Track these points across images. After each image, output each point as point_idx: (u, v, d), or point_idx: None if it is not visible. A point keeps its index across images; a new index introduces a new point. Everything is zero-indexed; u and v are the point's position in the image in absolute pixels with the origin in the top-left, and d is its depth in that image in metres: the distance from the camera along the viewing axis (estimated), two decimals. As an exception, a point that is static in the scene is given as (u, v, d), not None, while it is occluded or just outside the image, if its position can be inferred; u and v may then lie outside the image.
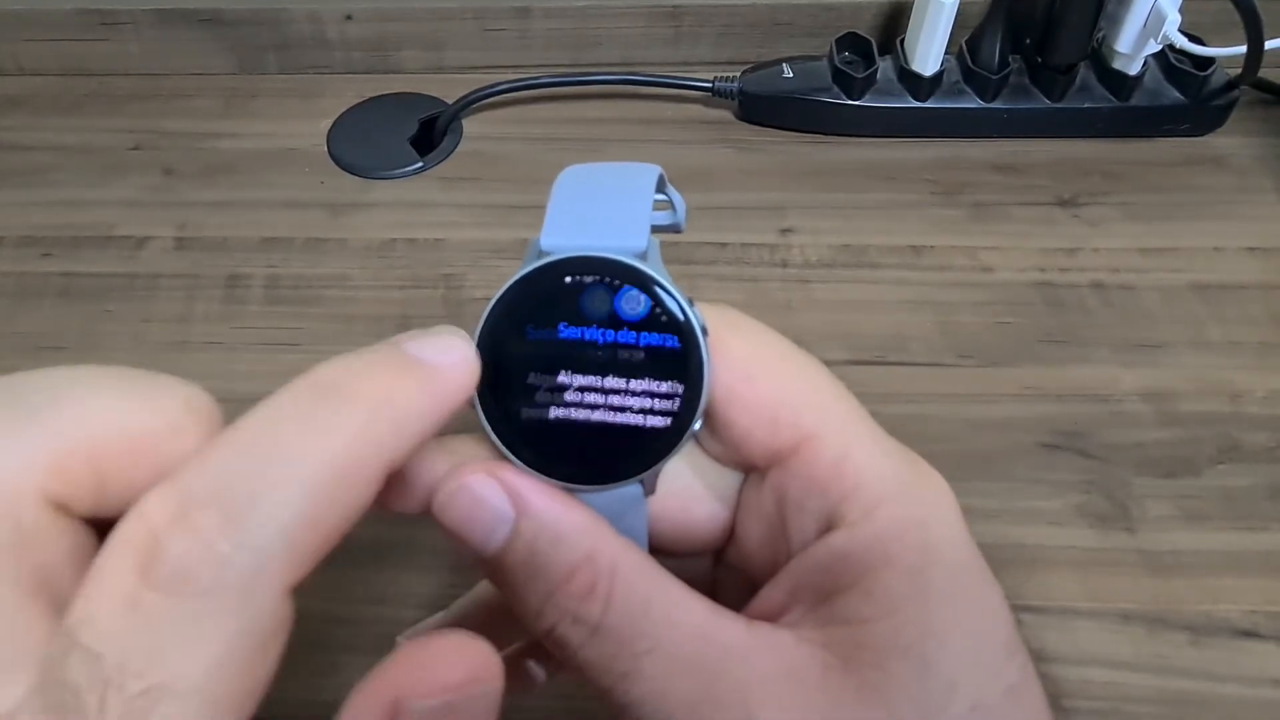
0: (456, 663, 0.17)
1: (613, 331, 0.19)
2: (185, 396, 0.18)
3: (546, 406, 0.19)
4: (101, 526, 0.17)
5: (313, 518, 0.15)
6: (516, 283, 0.19)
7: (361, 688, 0.16)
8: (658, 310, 0.19)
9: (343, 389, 0.16)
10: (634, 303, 0.19)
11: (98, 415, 0.17)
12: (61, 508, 0.16)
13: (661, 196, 0.21)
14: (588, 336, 0.19)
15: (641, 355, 0.19)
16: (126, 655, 0.14)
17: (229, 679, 0.15)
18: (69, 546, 0.16)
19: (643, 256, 0.19)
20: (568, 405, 0.19)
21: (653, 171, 0.21)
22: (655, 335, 0.19)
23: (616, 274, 0.19)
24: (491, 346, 0.19)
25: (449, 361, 0.18)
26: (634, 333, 0.19)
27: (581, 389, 0.19)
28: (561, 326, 0.19)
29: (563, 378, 0.19)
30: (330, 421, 0.16)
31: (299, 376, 0.17)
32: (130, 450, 0.17)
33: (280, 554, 0.15)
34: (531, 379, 0.19)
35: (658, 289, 0.19)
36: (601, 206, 0.20)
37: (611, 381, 0.19)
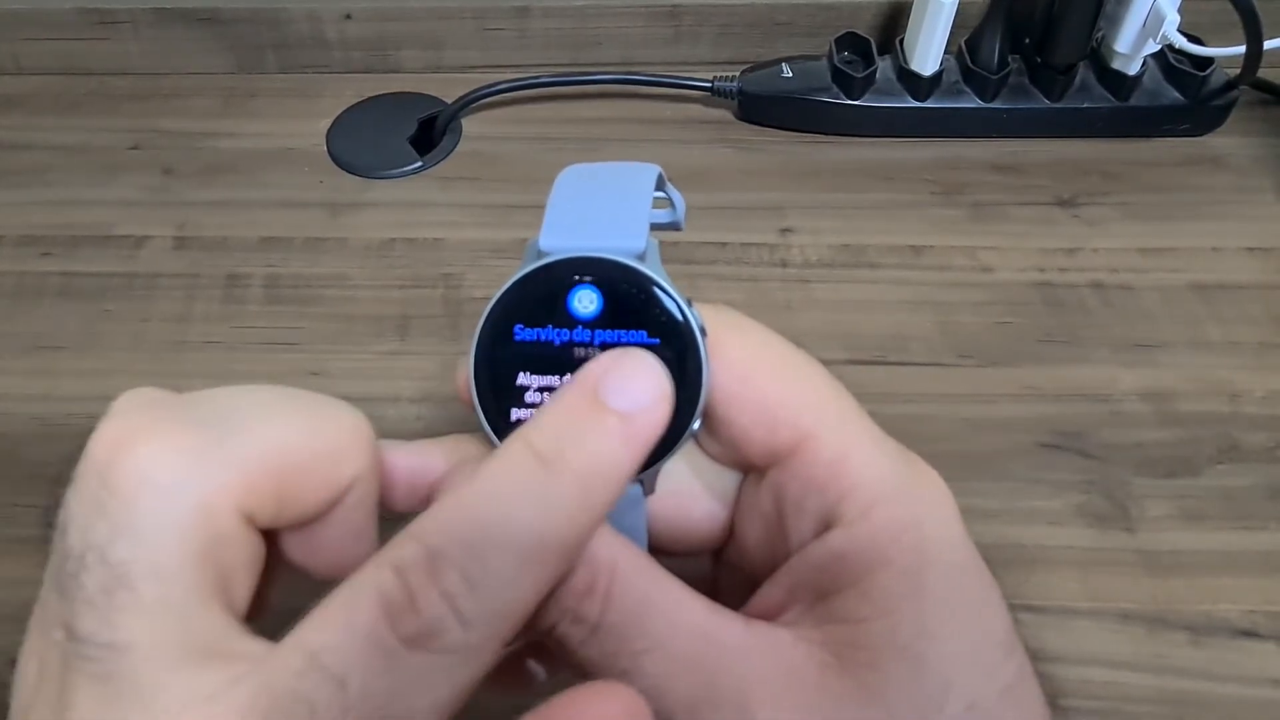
0: (612, 710, 0.17)
1: (611, 332, 0.19)
2: (351, 420, 0.19)
3: None
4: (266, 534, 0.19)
5: (534, 588, 0.17)
6: (515, 283, 0.19)
7: None
8: (656, 311, 0.19)
9: (558, 464, 0.17)
10: (633, 303, 0.19)
11: (285, 438, 0.18)
12: (247, 519, 0.18)
13: (661, 195, 0.21)
14: (585, 337, 0.19)
15: None
16: (369, 689, 0.16)
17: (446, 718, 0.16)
18: (248, 554, 0.18)
19: (641, 257, 0.19)
20: None
21: (652, 171, 0.21)
22: (653, 336, 0.19)
23: (615, 275, 0.19)
24: (490, 347, 0.19)
25: (647, 407, 0.18)
26: (633, 333, 0.19)
27: None
28: (559, 328, 0.19)
29: (564, 378, 0.19)
30: (550, 501, 0.17)
31: (518, 434, 0.18)
32: (308, 471, 0.18)
33: (506, 620, 0.17)
34: (531, 379, 0.19)
35: (656, 290, 0.19)
36: (600, 207, 0.20)
37: None
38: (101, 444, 0.17)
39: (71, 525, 0.17)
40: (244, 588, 0.18)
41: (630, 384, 0.18)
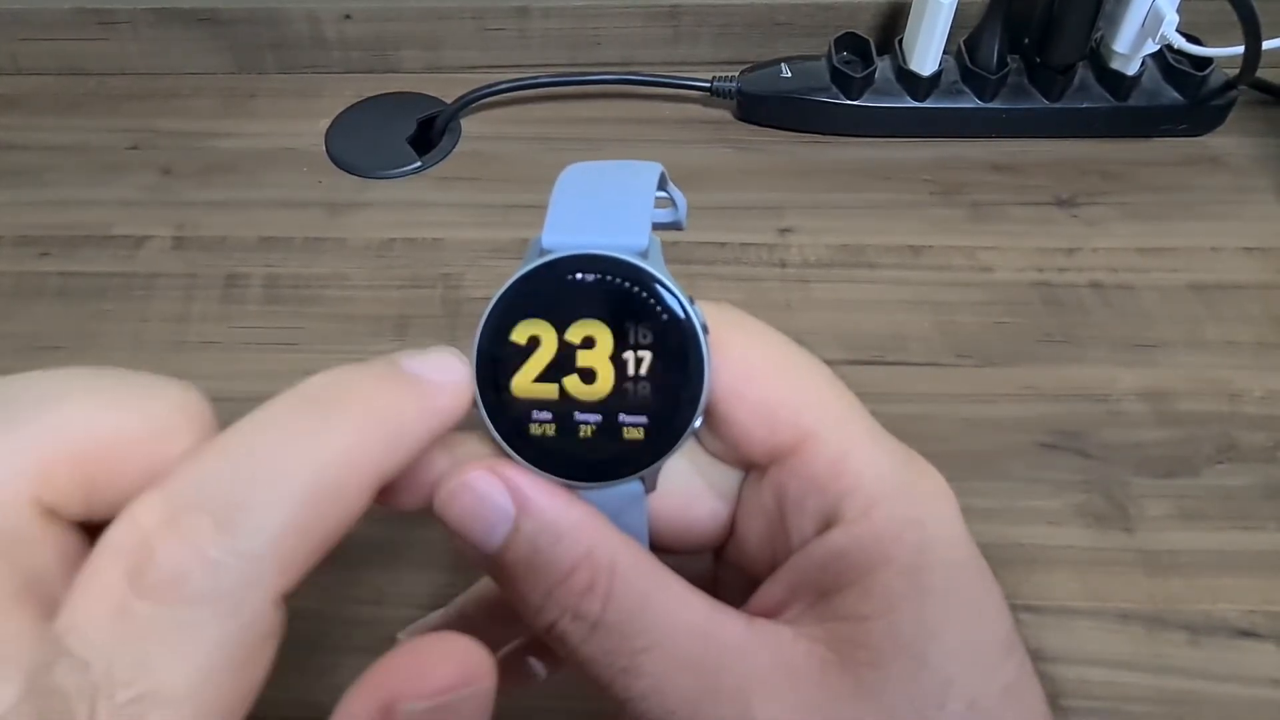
0: (448, 664, 0.17)
1: (613, 329, 0.19)
2: (177, 398, 0.17)
3: None
4: (93, 530, 0.17)
5: (303, 526, 0.16)
6: (517, 281, 0.19)
7: (353, 690, 0.16)
8: (658, 309, 0.19)
9: (336, 399, 0.17)
10: (634, 301, 0.19)
11: (86, 419, 0.16)
12: (50, 512, 0.16)
13: (662, 194, 0.21)
14: (589, 334, 0.19)
15: (642, 353, 0.19)
16: (115, 663, 0.14)
17: (218, 686, 0.15)
18: (59, 551, 0.16)
19: (644, 255, 0.19)
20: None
21: (654, 169, 0.21)
22: (656, 334, 0.19)
23: (617, 272, 0.19)
24: (492, 343, 0.19)
25: (444, 379, 0.18)
26: (634, 331, 0.19)
27: None
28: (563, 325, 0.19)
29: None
30: (322, 431, 0.16)
31: (293, 386, 0.17)
32: (120, 454, 0.17)
33: (270, 562, 0.15)
34: None
35: (658, 287, 0.19)
36: (603, 205, 0.20)
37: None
38: None
39: None
40: (58, 586, 0.16)
41: (431, 359, 0.18)
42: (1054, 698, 0.31)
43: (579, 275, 0.19)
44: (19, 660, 0.14)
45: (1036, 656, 0.32)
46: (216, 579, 0.15)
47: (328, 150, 0.50)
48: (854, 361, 0.41)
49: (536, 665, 0.23)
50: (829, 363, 0.20)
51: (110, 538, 0.15)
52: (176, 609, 0.14)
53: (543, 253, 0.19)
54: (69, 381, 0.17)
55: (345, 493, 0.16)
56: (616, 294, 0.19)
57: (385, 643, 0.25)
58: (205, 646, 0.15)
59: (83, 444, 0.16)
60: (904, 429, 0.20)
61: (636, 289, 0.19)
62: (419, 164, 0.49)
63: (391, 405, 0.17)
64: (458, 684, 0.17)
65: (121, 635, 0.14)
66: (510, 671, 0.23)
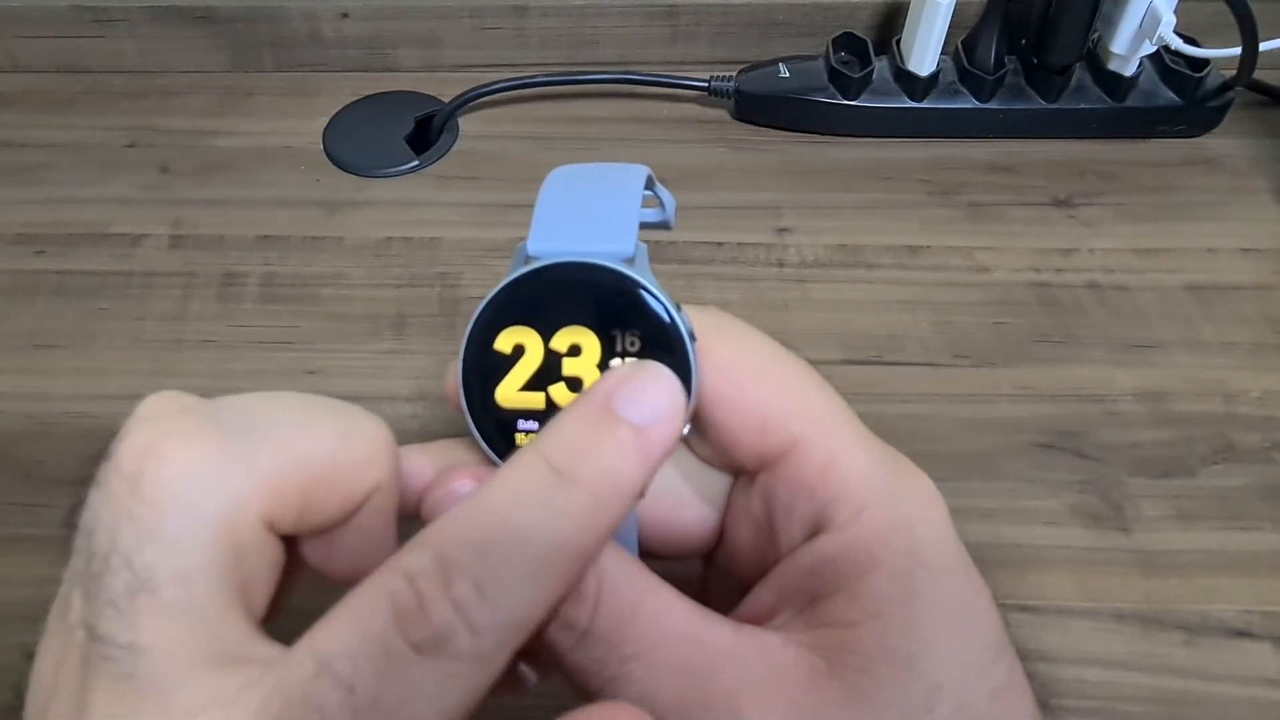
0: None
1: (599, 336, 0.19)
2: (376, 432, 0.19)
3: None
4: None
5: (545, 598, 0.17)
6: (503, 288, 0.19)
7: None
8: (644, 316, 0.19)
9: (572, 476, 0.17)
10: (620, 308, 0.19)
11: (312, 447, 0.18)
12: (270, 527, 0.18)
13: (649, 194, 0.21)
14: (575, 342, 0.19)
15: (628, 360, 0.19)
16: (378, 696, 0.16)
17: None
18: (269, 561, 0.18)
19: (630, 261, 0.19)
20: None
21: (640, 172, 0.21)
22: (642, 341, 0.19)
23: (603, 279, 0.19)
24: (479, 351, 0.19)
25: (662, 421, 0.18)
26: (621, 338, 0.19)
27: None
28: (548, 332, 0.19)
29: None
30: (562, 512, 0.17)
31: (531, 446, 0.18)
32: (333, 480, 0.19)
33: (516, 629, 0.17)
34: None
35: (644, 294, 0.19)
36: (589, 210, 0.20)
37: None
38: (130, 449, 0.17)
39: (98, 528, 0.17)
40: (263, 593, 0.18)
41: (644, 396, 0.18)
42: (1049, 698, 0.32)
43: (564, 282, 0.19)
44: (238, 656, 0.16)
45: (1032, 656, 0.32)
46: (475, 643, 0.16)
47: (325, 149, 0.50)
48: (851, 361, 0.41)
49: (526, 672, 0.23)
50: (825, 363, 0.20)
51: (381, 583, 0.17)
52: (439, 663, 0.16)
53: (528, 259, 0.19)
54: (291, 407, 0.19)
55: (581, 563, 0.18)
56: (602, 301, 0.19)
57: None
58: (454, 697, 0.16)
59: (306, 470, 0.18)
60: (901, 429, 0.20)
61: (622, 296, 0.19)
62: (416, 163, 0.49)
63: (621, 471, 0.18)
64: None
65: (388, 674, 0.16)
66: (501, 678, 0.23)
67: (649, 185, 0.21)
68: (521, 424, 0.19)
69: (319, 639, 0.16)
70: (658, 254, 0.20)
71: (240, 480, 0.17)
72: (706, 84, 0.50)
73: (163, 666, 0.16)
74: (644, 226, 0.20)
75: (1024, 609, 0.33)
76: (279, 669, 0.16)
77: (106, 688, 0.16)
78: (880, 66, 0.50)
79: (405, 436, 0.21)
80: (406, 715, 0.16)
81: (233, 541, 0.17)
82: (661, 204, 0.22)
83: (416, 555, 0.17)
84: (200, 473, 0.17)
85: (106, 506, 0.17)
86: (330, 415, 0.19)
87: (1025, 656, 0.19)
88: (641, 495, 0.20)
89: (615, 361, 0.19)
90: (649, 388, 0.18)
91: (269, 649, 0.17)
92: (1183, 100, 0.49)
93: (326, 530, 0.19)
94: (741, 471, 0.21)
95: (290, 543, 0.19)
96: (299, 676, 0.16)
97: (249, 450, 0.18)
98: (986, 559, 0.19)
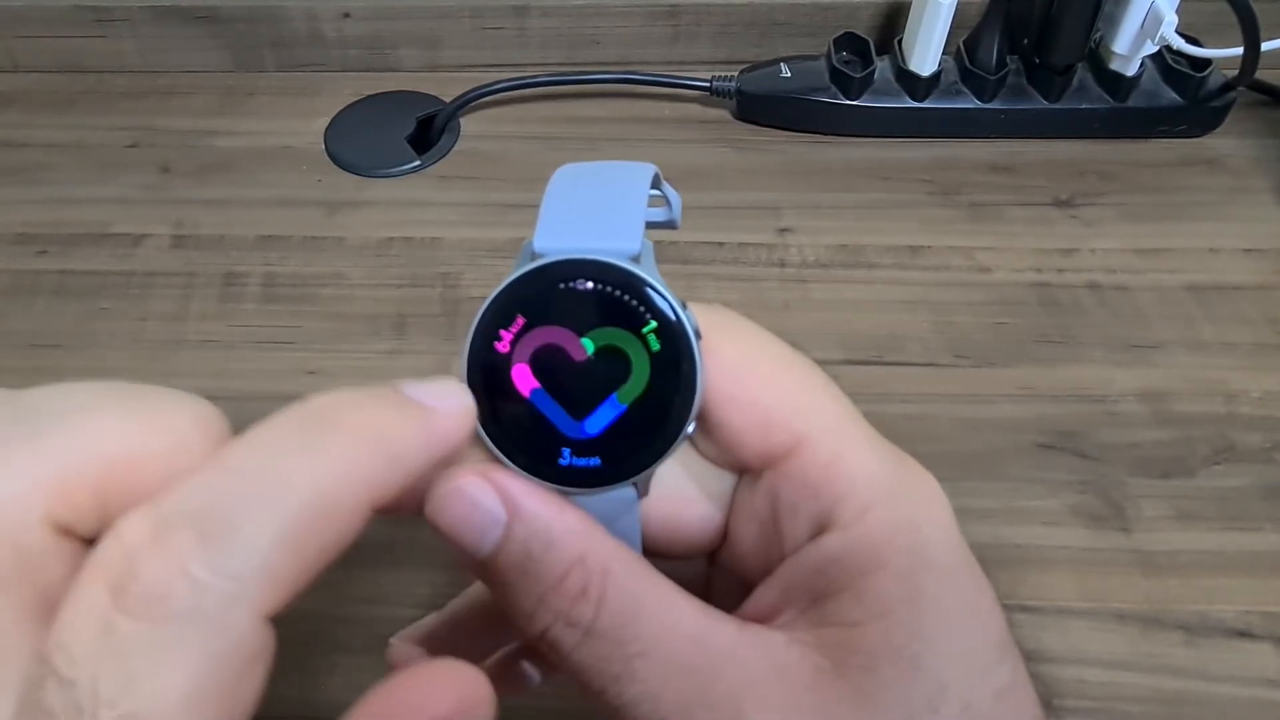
0: (446, 693, 0.17)
1: (605, 334, 0.19)
2: (193, 414, 0.17)
3: None
4: None
5: (294, 546, 0.15)
6: (508, 286, 0.19)
7: (350, 716, 0.16)
8: (650, 314, 0.19)
9: (334, 419, 0.16)
10: (626, 306, 0.19)
11: (102, 436, 0.16)
12: (64, 530, 0.16)
13: (656, 193, 0.21)
14: (580, 340, 0.19)
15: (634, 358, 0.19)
16: (100, 682, 0.14)
17: (204, 707, 0.14)
18: (71, 568, 0.16)
19: (636, 259, 0.19)
20: None
21: (647, 171, 0.21)
22: (647, 338, 0.19)
23: (609, 277, 0.19)
24: (483, 349, 0.19)
25: (445, 405, 0.18)
26: (626, 336, 0.19)
27: None
28: (554, 330, 0.19)
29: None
30: (318, 450, 0.16)
31: (294, 404, 0.17)
32: (136, 471, 0.16)
33: (258, 581, 0.15)
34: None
35: (650, 291, 0.19)
36: (595, 208, 0.20)
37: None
38: None
39: None
40: None
41: (432, 386, 0.18)
42: (1050, 698, 0.32)
43: (570, 280, 0.19)
44: (13, 679, 0.14)
45: (1033, 657, 0.32)
46: (199, 597, 0.14)
47: (326, 149, 0.50)
48: (852, 361, 0.41)
49: (530, 670, 0.23)
50: (826, 363, 0.20)
51: (97, 554, 0.15)
52: (160, 627, 0.14)
53: (534, 256, 0.19)
54: (86, 397, 0.17)
55: (339, 513, 0.16)
56: (608, 299, 0.19)
57: (382, 642, 0.25)
58: (190, 666, 0.14)
59: (100, 461, 0.16)
60: (901, 429, 0.20)
61: (628, 294, 0.19)
62: (418, 163, 0.49)
63: (390, 427, 0.17)
64: (456, 713, 0.16)
65: (106, 653, 0.14)
66: (504, 677, 0.23)
67: (655, 184, 0.21)
68: None
69: (51, 632, 0.15)
70: (658, 254, 0.20)
71: (14, 483, 0.16)
72: (708, 84, 0.50)
73: None
74: (650, 226, 0.20)
75: (1024, 609, 0.33)
76: (24, 681, 0.14)
77: None
78: (882, 66, 0.50)
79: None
80: (137, 700, 0.14)
81: (13, 549, 0.15)
82: (668, 203, 0.22)
83: (132, 515, 0.15)
84: None
85: None
86: (131, 402, 0.17)
87: (1026, 657, 0.19)
88: (644, 494, 0.20)
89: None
90: (436, 381, 0.18)
91: (34, 663, 0.15)
92: (1184, 100, 0.49)
93: None
94: (746, 470, 0.21)
95: None
96: (33, 683, 0.14)
97: (22, 448, 0.16)
98: (987, 559, 0.19)
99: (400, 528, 0.35)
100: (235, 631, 0.15)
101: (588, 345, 0.19)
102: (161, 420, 0.17)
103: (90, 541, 0.16)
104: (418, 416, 0.17)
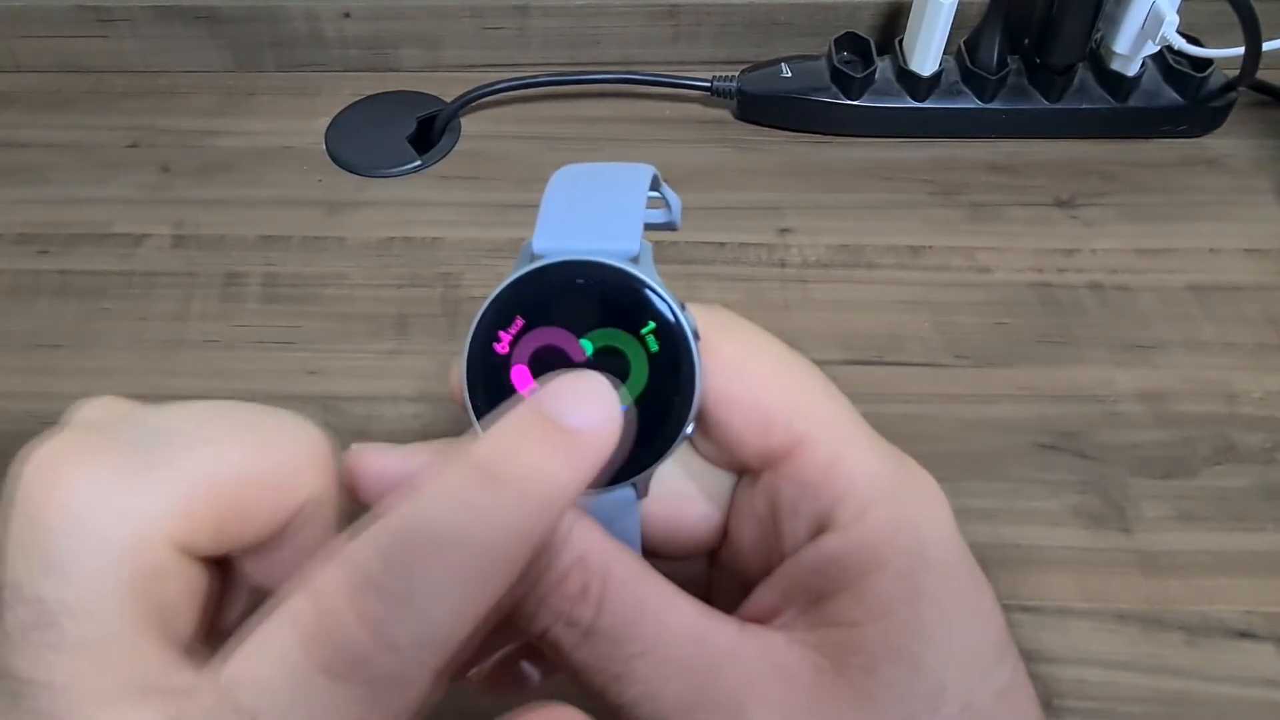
0: None
1: (604, 335, 0.19)
2: (306, 440, 0.18)
3: None
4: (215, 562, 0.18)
5: (471, 610, 0.16)
6: (508, 286, 0.19)
7: None
8: (649, 314, 0.19)
9: (505, 475, 0.17)
10: (625, 307, 0.19)
11: (225, 462, 0.17)
12: (184, 549, 0.17)
13: (655, 194, 0.21)
14: (579, 341, 0.19)
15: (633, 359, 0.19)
16: None
17: None
18: (186, 586, 0.17)
19: (635, 260, 0.19)
20: None
21: (646, 172, 0.21)
22: (646, 339, 0.19)
23: (608, 278, 0.19)
24: (483, 349, 0.19)
25: (595, 428, 0.18)
26: (625, 337, 0.19)
27: None
28: (553, 331, 0.19)
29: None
30: (493, 513, 0.16)
31: (461, 453, 0.17)
32: (253, 497, 0.17)
33: (442, 645, 0.16)
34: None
35: (649, 293, 0.19)
36: (594, 209, 0.20)
37: None
38: (32, 469, 0.16)
39: (5, 557, 0.16)
40: (186, 618, 0.17)
41: (579, 403, 0.18)
42: (1050, 698, 0.32)
43: (569, 281, 0.19)
44: (152, 687, 0.15)
45: (1033, 657, 0.32)
46: (391, 662, 0.15)
47: (327, 149, 0.50)
48: (852, 362, 0.41)
49: (530, 670, 0.23)
50: (827, 363, 0.20)
51: (289, 606, 0.16)
52: (355, 687, 0.15)
53: (533, 257, 0.19)
54: (207, 421, 0.18)
55: (507, 571, 0.17)
56: (607, 300, 0.19)
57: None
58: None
59: (222, 486, 0.17)
60: (902, 429, 0.20)
61: (627, 294, 0.19)
62: (419, 163, 0.49)
63: (548, 475, 0.17)
64: None
65: (295, 702, 0.15)
66: (504, 677, 0.23)
67: (655, 186, 0.21)
68: None
69: (228, 667, 0.16)
70: (659, 254, 0.20)
71: (145, 502, 0.16)
72: (709, 84, 0.50)
73: (74, 704, 0.15)
74: (650, 227, 0.20)
75: (1025, 609, 0.33)
76: (185, 701, 0.15)
77: None
78: (882, 66, 0.50)
79: (408, 437, 0.21)
80: None
81: (140, 567, 0.16)
82: (667, 205, 0.22)
83: (325, 570, 0.16)
84: (100, 496, 0.16)
85: (10, 535, 0.16)
86: (250, 425, 0.18)
87: (1026, 657, 0.19)
88: (643, 494, 0.20)
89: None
90: (585, 394, 0.18)
91: (188, 678, 0.16)
92: (1185, 100, 0.49)
93: (258, 547, 0.19)
94: (746, 470, 0.21)
95: (224, 560, 0.19)
96: (202, 709, 0.15)
97: (155, 469, 0.17)
98: (987, 559, 0.19)
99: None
100: (416, 689, 0.16)
101: (587, 346, 0.19)
102: (278, 446, 0.18)
103: (205, 560, 0.18)
104: (569, 451, 0.17)
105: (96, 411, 0.19)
